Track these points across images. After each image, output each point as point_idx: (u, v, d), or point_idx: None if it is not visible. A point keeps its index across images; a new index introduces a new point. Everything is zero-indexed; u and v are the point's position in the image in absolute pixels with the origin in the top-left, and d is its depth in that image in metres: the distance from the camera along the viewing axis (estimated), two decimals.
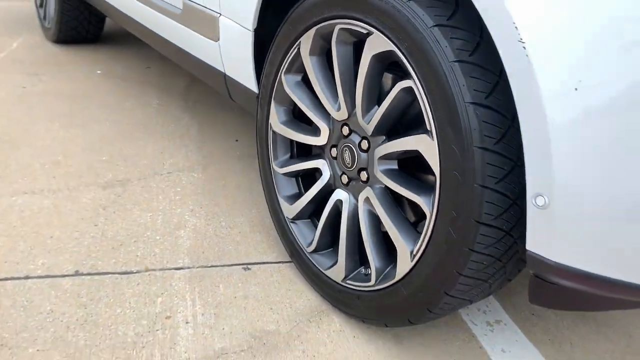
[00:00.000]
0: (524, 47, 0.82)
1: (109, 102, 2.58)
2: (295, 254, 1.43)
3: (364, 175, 1.22)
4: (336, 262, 1.31)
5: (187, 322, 1.27)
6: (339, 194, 1.30)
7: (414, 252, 1.09)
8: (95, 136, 2.20)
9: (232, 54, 1.58)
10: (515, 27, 0.83)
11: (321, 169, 1.35)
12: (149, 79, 2.96)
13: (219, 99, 2.69)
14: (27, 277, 1.37)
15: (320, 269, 1.35)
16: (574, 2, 0.80)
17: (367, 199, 1.21)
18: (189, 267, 1.46)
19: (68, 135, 2.20)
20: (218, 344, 1.21)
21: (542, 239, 0.90)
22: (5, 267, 1.40)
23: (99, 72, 3.02)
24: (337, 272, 1.30)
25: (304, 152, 1.46)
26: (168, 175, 1.92)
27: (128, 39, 3.65)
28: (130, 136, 2.23)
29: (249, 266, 1.48)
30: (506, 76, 0.87)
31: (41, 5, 3.58)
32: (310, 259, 1.38)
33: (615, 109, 0.80)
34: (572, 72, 0.80)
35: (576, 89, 0.80)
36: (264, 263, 1.50)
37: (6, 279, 1.36)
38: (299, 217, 1.43)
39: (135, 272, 1.42)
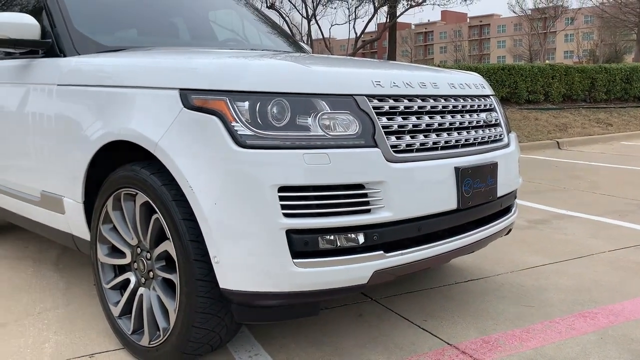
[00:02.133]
0: (192, 190, 1.78)
1: None
2: (123, 339, 2.18)
3: (151, 274, 2.06)
4: (144, 334, 2.08)
5: None
6: (141, 291, 2.12)
7: (175, 308, 1.91)
8: None
9: (74, 219, 2.43)
10: (187, 181, 1.79)
11: (130, 278, 2.17)
12: (28, 254, 3.66)
13: (82, 260, 3.44)
14: None
15: (137, 342, 2.11)
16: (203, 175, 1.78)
17: (154, 287, 2.04)
18: None
19: None
20: None
21: (222, 278, 1.78)
22: None
23: None
24: (145, 340, 2.07)
25: (122, 270, 2.28)
26: (38, 315, 2.61)
27: (9, 229, 4.35)
28: (9, 295, 2.89)
29: (93, 355, 2.19)
30: None
31: None
32: (131, 338, 2.14)
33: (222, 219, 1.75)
34: (210, 201, 1.75)
35: (215, 204, 1.75)
36: (104, 352, 2.22)
37: None
38: (122, 314, 2.20)
39: None
